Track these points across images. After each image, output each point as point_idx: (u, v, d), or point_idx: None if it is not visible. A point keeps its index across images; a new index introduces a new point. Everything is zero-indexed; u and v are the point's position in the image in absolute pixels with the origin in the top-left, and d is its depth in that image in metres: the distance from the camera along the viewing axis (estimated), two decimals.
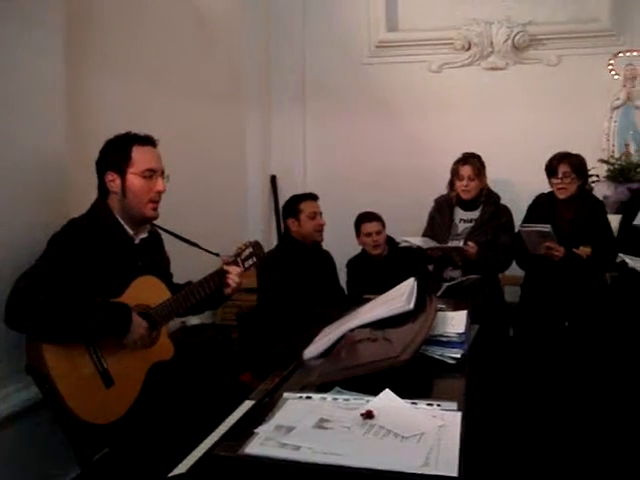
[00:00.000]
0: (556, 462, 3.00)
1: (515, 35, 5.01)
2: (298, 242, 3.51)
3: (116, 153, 2.26)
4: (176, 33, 4.09)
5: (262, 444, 1.33)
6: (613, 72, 4.70)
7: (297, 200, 3.56)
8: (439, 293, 3.33)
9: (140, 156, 2.26)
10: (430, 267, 3.85)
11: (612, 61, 4.70)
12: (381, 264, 3.83)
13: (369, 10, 5.28)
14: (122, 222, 2.30)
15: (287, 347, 2.79)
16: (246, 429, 1.41)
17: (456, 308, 2.38)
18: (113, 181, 2.27)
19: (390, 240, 3.90)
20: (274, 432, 1.38)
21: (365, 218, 3.91)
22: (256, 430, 1.39)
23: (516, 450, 3.04)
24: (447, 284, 3.42)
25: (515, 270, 3.89)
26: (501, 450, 2.92)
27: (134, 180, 2.26)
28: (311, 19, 5.34)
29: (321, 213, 3.55)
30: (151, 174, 2.28)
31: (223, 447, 1.37)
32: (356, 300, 2.78)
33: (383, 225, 3.90)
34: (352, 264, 3.98)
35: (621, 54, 4.68)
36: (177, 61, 4.08)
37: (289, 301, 3.32)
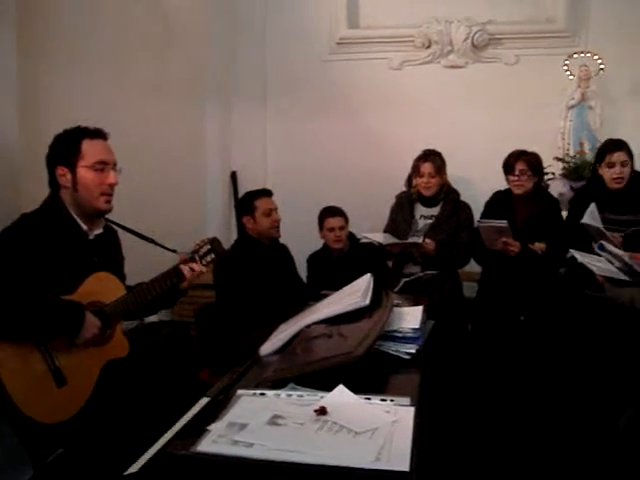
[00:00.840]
0: (511, 456, 3.05)
1: (474, 34, 5.06)
2: (254, 240, 3.48)
3: (65, 147, 2.24)
4: (136, 27, 4.03)
5: (214, 442, 1.32)
6: (568, 72, 4.79)
7: (251, 197, 3.51)
8: (397, 289, 3.35)
9: (90, 149, 2.24)
10: (390, 263, 3.88)
11: (567, 62, 4.78)
12: (342, 260, 3.83)
13: (330, 7, 5.28)
14: (75, 217, 2.27)
15: (251, 343, 2.78)
16: (199, 427, 1.40)
17: (414, 304, 2.41)
18: (64, 175, 2.24)
19: (351, 236, 3.91)
20: (227, 429, 1.37)
21: (329, 213, 3.91)
22: (209, 428, 1.38)
23: (471, 444, 3.08)
24: (405, 280, 3.45)
25: (474, 266, 3.95)
26: (456, 444, 2.95)
27: (85, 173, 2.23)
28: (273, 15, 5.32)
29: (276, 209, 3.51)
30: (102, 167, 2.26)
31: (175, 445, 1.36)
32: (314, 295, 2.79)
33: (346, 220, 3.90)
34: (313, 259, 3.98)
35: (576, 55, 4.77)
36: (136, 56, 4.02)
37: (247, 299, 3.30)
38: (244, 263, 3.38)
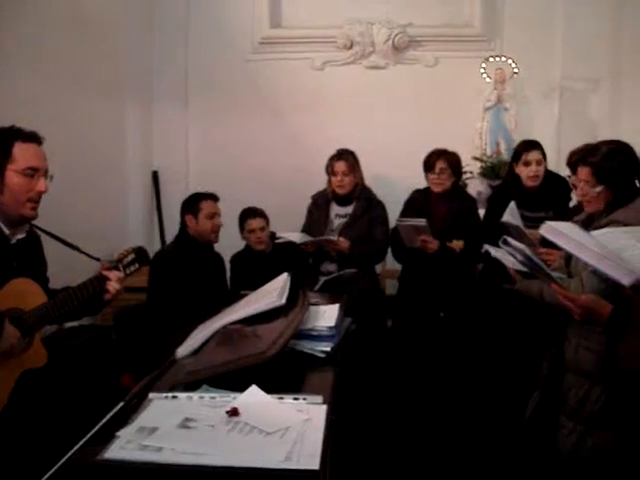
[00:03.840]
0: (428, 450, 3.12)
1: (395, 36, 5.16)
2: (193, 240, 3.46)
3: None
4: (53, 23, 3.91)
5: (122, 447, 1.30)
6: (485, 75, 4.95)
7: (198, 198, 3.51)
8: (317, 287, 3.38)
9: (22, 153, 2.13)
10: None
11: (484, 65, 4.95)
12: (264, 260, 3.82)
13: (253, 6, 5.27)
14: None
15: (169, 345, 2.74)
16: (109, 433, 1.37)
17: (333, 302, 2.42)
18: None
19: (273, 236, 3.91)
20: (136, 434, 1.35)
21: (249, 214, 3.89)
22: (118, 433, 1.35)
23: (388, 440, 3.13)
24: (325, 278, 3.48)
25: (396, 264, 4.01)
26: (374, 441, 2.98)
27: (13, 178, 2.12)
28: (194, 14, 5.26)
29: (220, 215, 3.52)
30: (32, 173, 2.15)
31: (83, 453, 1.32)
32: (234, 296, 2.77)
33: (267, 221, 3.90)
34: (235, 260, 3.95)
35: (491, 58, 4.95)
36: (53, 52, 3.89)
37: (179, 298, 3.26)
38: (182, 260, 3.34)
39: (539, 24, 5.08)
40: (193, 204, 3.49)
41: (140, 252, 2.47)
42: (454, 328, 3.61)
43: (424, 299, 3.63)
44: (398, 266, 4.00)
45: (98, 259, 2.45)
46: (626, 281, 1.51)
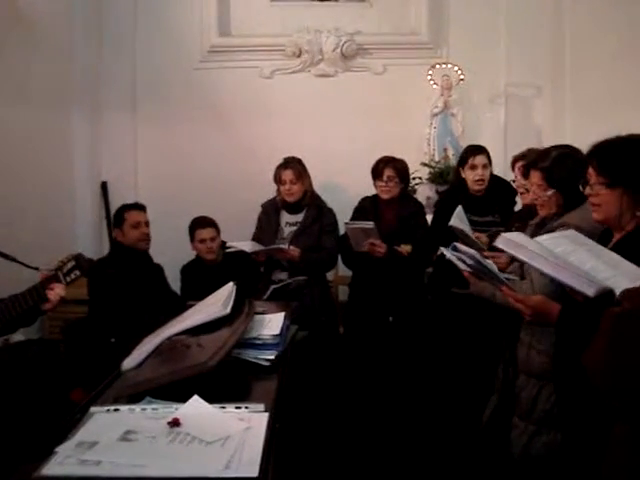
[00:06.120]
0: (378, 455, 3.14)
1: (343, 44, 5.20)
2: (128, 249, 3.43)
3: None
4: None
5: (60, 463, 1.28)
6: (432, 82, 5.04)
7: (122, 210, 3.54)
8: (266, 296, 3.38)
9: None
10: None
11: (431, 72, 5.03)
12: (216, 269, 3.81)
13: (201, 14, 5.24)
14: None
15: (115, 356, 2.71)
16: (48, 449, 1.35)
17: (281, 310, 2.43)
18: None
19: (224, 245, 3.90)
20: (75, 449, 1.33)
21: (199, 224, 3.87)
22: (57, 449, 1.34)
23: (338, 445, 3.14)
24: (274, 286, 3.48)
25: (349, 270, 4.04)
26: (321, 448, 2.98)
27: None
28: (142, 22, 5.20)
29: (147, 222, 3.49)
30: None
31: (20, 471, 1.30)
32: (182, 306, 2.75)
33: (218, 231, 3.89)
34: (186, 270, 3.93)
35: (438, 65, 5.03)
36: None
37: (121, 309, 3.23)
38: (117, 271, 3.31)
39: (484, 32, 5.19)
40: (118, 216, 3.55)
41: (80, 259, 2.44)
42: (403, 332, 3.65)
43: (374, 304, 3.67)
44: (350, 273, 4.03)
45: (37, 268, 2.41)
46: (590, 292, 1.54)
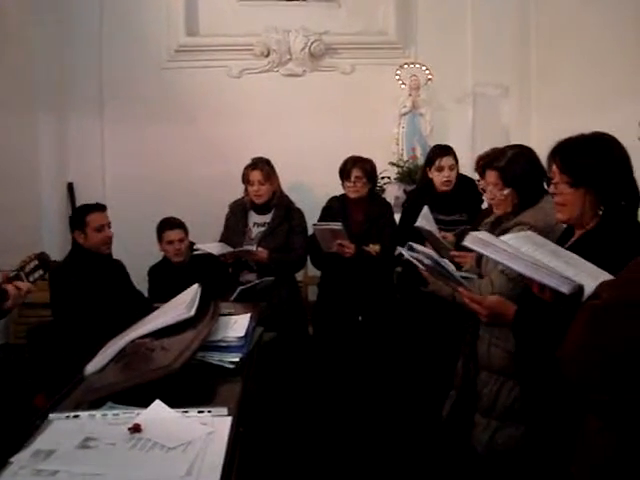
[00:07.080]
0: (346, 457, 3.13)
1: (311, 44, 5.21)
2: (89, 252, 3.34)
3: None
4: None
5: (15, 474, 1.25)
6: (400, 82, 5.05)
7: (83, 212, 3.36)
8: (233, 297, 3.35)
9: None
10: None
11: (399, 72, 5.05)
12: (183, 271, 3.75)
13: (168, 14, 5.21)
14: None
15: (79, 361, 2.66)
16: (3, 459, 1.31)
17: (249, 311, 2.41)
18: None
19: (192, 247, 3.85)
20: (31, 459, 1.30)
21: (167, 225, 3.82)
22: (11, 459, 1.30)
23: (304, 448, 3.12)
24: (241, 287, 3.45)
25: (318, 271, 4.03)
26: (288, 451, 2.97)
27: None
28: (108, 21, 5.15)
29: (109, 224, 3.40)
30: None
31: None
32: (148, 307, 2.72)
33: (186, 232, 3.84)
34: (154, 271, 3.87)
35: (406, 65, 5.06)
36: None
37: (84, 313, 3.16)
38: (79, 275, 3.23)
39: (451, 32, 5.24)
40: (79, 219, 3.35)
41: (43, 257, 2.38)
42: (372, 331, 3.66)
43: (343, 304, 3.66)
44: (319, 273, 4.02)
45: None
46: (566, 289, 1.54)
